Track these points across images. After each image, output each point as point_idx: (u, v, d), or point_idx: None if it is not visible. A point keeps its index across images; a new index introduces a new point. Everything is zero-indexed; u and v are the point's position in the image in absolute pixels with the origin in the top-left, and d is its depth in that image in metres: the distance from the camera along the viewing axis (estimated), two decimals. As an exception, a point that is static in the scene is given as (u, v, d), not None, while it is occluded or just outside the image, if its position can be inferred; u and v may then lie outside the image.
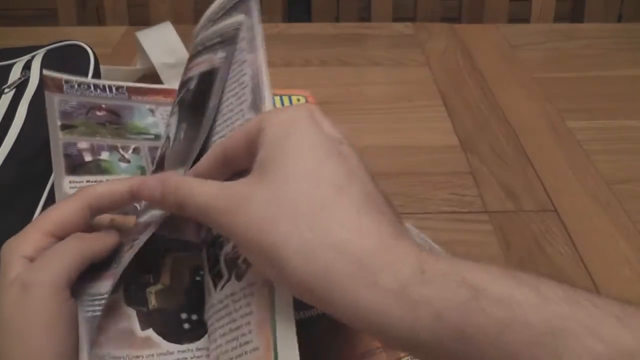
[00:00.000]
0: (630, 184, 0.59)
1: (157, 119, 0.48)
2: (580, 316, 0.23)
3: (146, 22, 0.95)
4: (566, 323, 0.22)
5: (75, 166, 0.41)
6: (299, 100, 0.60)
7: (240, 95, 0.35)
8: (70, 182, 0.38)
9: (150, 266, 0.34)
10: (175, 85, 0.44)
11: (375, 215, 0.27)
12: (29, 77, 0.61)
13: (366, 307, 0.25)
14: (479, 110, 0.71)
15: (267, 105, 0.33)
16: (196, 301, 0.33)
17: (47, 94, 0.42)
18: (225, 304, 0.31)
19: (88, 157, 0.38)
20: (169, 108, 0.44)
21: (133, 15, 1.07)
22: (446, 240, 0.47)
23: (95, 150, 0.39)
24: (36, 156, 0.35)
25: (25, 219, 0.42)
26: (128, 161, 0.40)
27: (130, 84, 0.47)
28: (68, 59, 0.59)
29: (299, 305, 0.28)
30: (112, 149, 0.40)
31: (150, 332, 0.31)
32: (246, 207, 0.28)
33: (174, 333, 0.32)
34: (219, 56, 0.38)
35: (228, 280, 0.31)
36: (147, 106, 0.48)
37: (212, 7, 0.42)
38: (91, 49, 0.67)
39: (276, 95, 0.59)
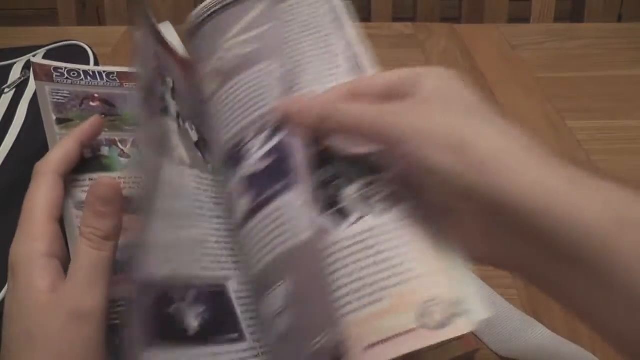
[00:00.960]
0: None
1: None
2: None
3: (146, 22, 0.95)
4: None
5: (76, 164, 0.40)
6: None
7: (329, 62, 0.37)
8: (73, 180, 0.38)
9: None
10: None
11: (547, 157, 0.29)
12: (29, 77, 0.61)
13: (541, 183, 0.26)
14: (479, 110, 0.71)
15: (371, 70, 0.36)
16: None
17: (37, 83, 0.41)
18: (361, 239, 0.30)
19: (88, 154, 0.38)
20: None
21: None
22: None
23: (94, 146, 0.38)
24: (36, 156, 0.35)
25: (25, 219, 0.42)
26: (128, 156, 0.39)
27: (119, 69, 0.45)
28: (68, 59, 0.58)
29: None
30: (111, 143, 0.39)
31: None
32: (419, 107, 0.30)
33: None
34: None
35: (360, 218, 0.31)
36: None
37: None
38: (91, 49, 0.67)
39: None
